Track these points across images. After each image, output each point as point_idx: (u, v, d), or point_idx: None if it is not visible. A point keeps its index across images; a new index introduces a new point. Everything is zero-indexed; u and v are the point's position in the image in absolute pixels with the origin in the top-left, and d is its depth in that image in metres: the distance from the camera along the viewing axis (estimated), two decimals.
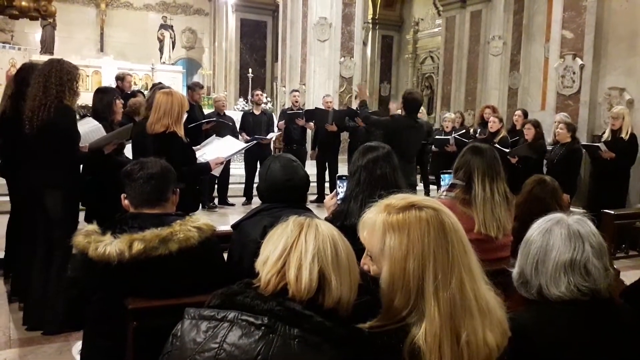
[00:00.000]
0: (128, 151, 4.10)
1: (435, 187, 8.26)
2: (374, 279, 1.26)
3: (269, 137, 7.80)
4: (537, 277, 1.42)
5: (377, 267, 1.22)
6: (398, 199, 1.24)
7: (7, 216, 4.21)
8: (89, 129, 3.88)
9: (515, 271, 1.51)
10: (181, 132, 3.47)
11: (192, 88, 7.53)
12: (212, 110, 8.33)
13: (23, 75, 3.84)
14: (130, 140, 4.16)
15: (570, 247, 1.41)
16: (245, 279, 1.20)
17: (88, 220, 4.09)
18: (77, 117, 3.77)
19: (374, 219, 1.23)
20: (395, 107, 7.25)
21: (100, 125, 4.01)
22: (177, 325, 1.17)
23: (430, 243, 1.16)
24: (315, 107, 8.59)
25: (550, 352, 1.38)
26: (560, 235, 1.43)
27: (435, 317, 1.12)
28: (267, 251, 1.19)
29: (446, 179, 3.19)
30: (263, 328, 1.07)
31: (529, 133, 6.51)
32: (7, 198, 4.18)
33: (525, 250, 1.47)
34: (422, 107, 9.39)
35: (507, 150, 6.44)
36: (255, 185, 7.42)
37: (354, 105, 8.89)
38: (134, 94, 6.86)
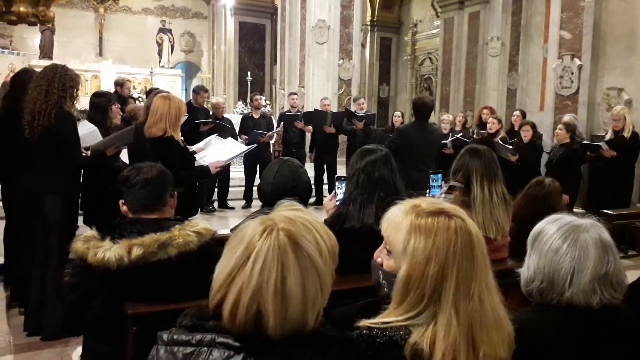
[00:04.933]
0: (125, 156, 4.09)
1: None
2: (386, 274, 1.27)
3: (268, 134, 7.81)
4: (571, 287, 1.40)
5: (395, 264, 1.22)
6: (428, 202, 1.24)
7: (3, 221, 4.20)
8: (85, 132, 3.88)
9: (528, 275, 1.49)
10: (178, 136, 3.48)
11: (197, 91, 7.75)
12: (210, 113, 8.35)
13: (21, 80, 3.83)
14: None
15: (605, 259, 1.41)
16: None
17: (87, 223, 4.09)
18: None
19: (400, 217, 1.22)
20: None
21: (96, 127, 4.00)
22: (152, 351, 1.11)
23: (456, 253, 1.15)
24: (314, 109, 8.60)
25: (551, 355, 1.39)
26: (594, 245, 1.41)
27: (453, 327, 1.12)
28: (223, 262, 1.10)
29: (439, 179, 3.20)
30: (243, 351, 1.02)
31: (527, 134, 6.52)
32: (1, 203, 4.15)
33: (555, 259, 1.43)
34: None
35: (511, 147, 6.45)
36: (255, 189, 7.43)
37: (352, 107, 8.89)
38: (126, 100, 6.87)
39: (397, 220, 1.22)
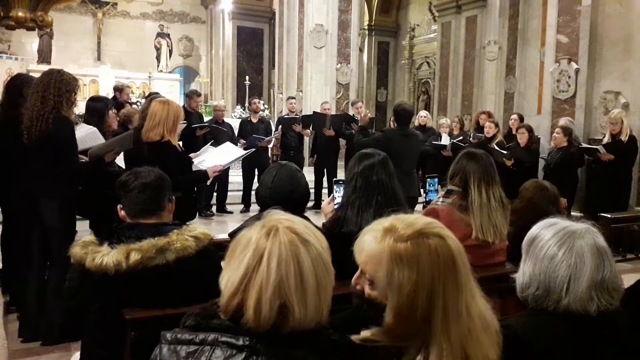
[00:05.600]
0: (121, 161, 4.09)
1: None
2: (369, 302, 1.22)
3: (266, 139, 7.82)
4: (567, 295, 1.40)
5: (379, 294, 1.18)
6: (402, 224, 1.19)
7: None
8: (85, 133, 3.87)
9: (524, 281, 1.48)
10: (175, 141, 3.48)
11: (190, 96, 7.66)
12: (211, 117, 8.36)
13: (16, 84, 3.83)
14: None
15: (601, 265, 1.40)
16: (218, 299, 1.14)
17: (93, 227, 4.07)
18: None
19: (377, 246, 1.17)
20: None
21: (96, 129, 3.99)
22: (155, 351, 1.13)
23: (440, 276, 1.13)
24: (313, 112, 8.60)
25: None
26: (589, 252, 1.40)
27: (445, 352, 1.11)
28: (229, 270, 1.12)
29: (435, 184, 3.22)
30: (245, 350, 1.05)
31: (522, 137, 6.56)
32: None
33: (551, 266, 1.42)
34: (426, 112, 9.47)
35: (505, 152, 6.47)
36: (253, 193, 7.41)
37: (350, 111, 8.91)
38: (122, 104, 6.87)
39: (374, 250, 1.18)
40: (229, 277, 1.10)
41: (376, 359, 1.15)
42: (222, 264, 1.16)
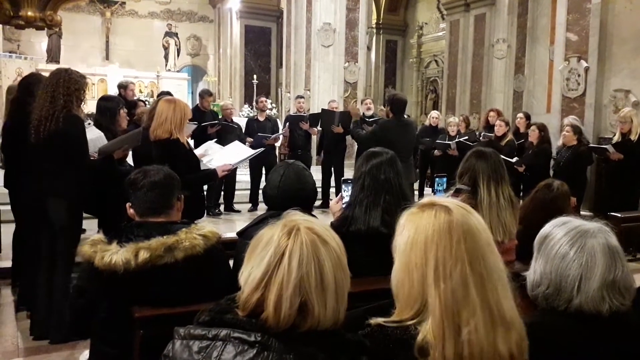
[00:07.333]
0: (130, 159, 4.10)
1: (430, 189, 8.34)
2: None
3: (272, 137, 7.82)
4: (579, 295, 1.38)
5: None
6: (429, 198, 1.26)
7: (13, 225, 4.22)
8: (91, 138, 3.88)
9: (534, 279, 1.47)
10: (184, 139, 3.49)
11: (202, 96, 7.81)
12: (220, 116, 8.39)
13: (28, 83, 3.85)
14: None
15: (613, 265, 1.39)
16: (232, 295, 1.16)
17: (102, 226, 4.10)
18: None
19: (404, 217, 1.24)
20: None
21: (102, 133, 4.01)
22: (168, 346, 1.15)
23: (433, 234, 1.15)
24: (322, 109, 8.58)
25: None
26: (601, 252, 1.39)
27: (436, 308, 1.12)
28: (250, 266, 1.14)
29: (444, 183, 3.21)
30: (257, 345, 1.06)
31: (533, 135, 6.51)
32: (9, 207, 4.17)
33: (562, 265, 1.41)
34: (437, 113, 9.47)
35: (513, 161, 6.43)
36: (260, 192, 7.41)
37: (360, 109, 8.88)
38: (135, 103, 6.90)
39: (401, 220, 1.24)
40: (250, 273, 1.12)
41: (388, 348, 1.15)
42: (243, 260, 1.17)
